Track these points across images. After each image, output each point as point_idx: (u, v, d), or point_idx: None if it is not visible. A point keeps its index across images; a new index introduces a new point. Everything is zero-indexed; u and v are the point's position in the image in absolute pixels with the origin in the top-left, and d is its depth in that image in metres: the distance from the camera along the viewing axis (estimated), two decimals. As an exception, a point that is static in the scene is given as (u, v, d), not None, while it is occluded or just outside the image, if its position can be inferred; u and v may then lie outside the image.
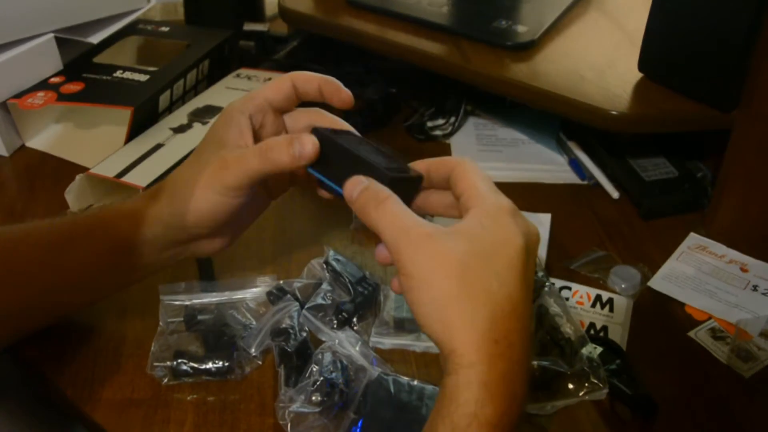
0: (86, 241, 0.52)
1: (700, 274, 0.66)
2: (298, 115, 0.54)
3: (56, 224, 0.54)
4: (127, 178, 0.68)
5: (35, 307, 0.54)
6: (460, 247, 0.40)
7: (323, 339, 0.57)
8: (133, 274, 0.55)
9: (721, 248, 0.69)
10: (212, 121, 0.77)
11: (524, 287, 0.41)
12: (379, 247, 0.45)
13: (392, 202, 0.43)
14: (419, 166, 0.48)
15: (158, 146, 0.74)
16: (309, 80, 0.51)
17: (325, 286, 0.60)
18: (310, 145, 0.46)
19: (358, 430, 0.50)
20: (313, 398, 0.51)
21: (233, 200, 0.49)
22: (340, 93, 0.51)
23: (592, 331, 0.60)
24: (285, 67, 0.92)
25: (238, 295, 0.61)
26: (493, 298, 0.39)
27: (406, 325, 0.59)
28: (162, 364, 0.55)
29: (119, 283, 0.56)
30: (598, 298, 0.63)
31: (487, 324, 0.39)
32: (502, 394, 0.38)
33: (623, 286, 0.64)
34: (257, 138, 0.51)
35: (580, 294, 0.64)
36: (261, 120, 0.52)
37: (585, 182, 0.78)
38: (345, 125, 0.52)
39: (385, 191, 0.43)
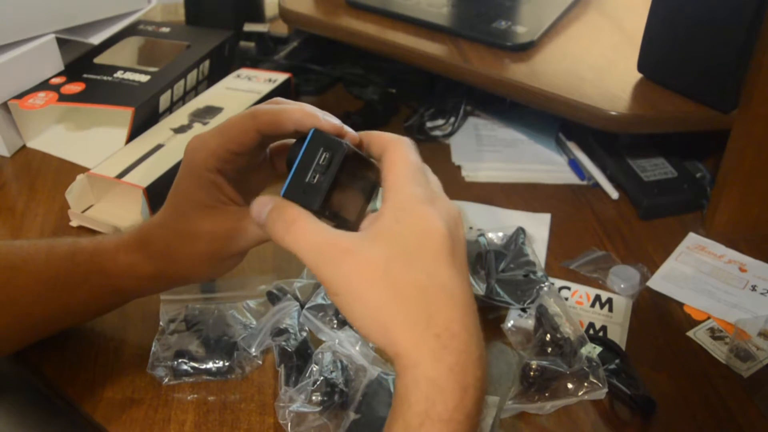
0: (85, 285, 0.52)
1: (699, 274, 0.66)
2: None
3: (54, 258, 0.52)
4: (128, 179, 0.68)
5: (34, 329, 0.54)
6: (380, 253, 0.39)
7: (323, 339, 0.57)
8: (133, 299, 0.57)
9: (719, 248, 0.69)
10: (213, 122, 0.78)
11: (456, 273, 0.40)
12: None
13: (303, 221, 0.41)
14: (355, 136, 0.46)
15: (159, 146, 0.74)
16: (279, 122, 0.46)
17: (325, 286, 0.60)
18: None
19: None
20: (313, 398, 0.51)
21: (237, 260, 0.52)
22: (321, 124, 0.44)
23: (591, 331, 0.60)
24: (285, 67, 0.92)
25: (238, 295, 0.61)
26: (425, 294, 0.39)
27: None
28: (162, 363, 0.55)
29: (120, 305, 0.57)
30: (598, 297, 0.63)
31: (425, 321, 0.38)
32: (452, 388, 0.38)
33: (622, 286, 0.64)
34: (238, 179, 0.50)
35: (580, 294, 0.64)
36: (233, 167, 0.49)
37: (584, 182, 0.79)
38: (327, 124, 0.45)
39: (293, 210, 0.41)
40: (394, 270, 0.39)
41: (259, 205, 0.43)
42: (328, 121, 0.45)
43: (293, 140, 0.47)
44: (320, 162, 0.43)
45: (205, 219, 0.49)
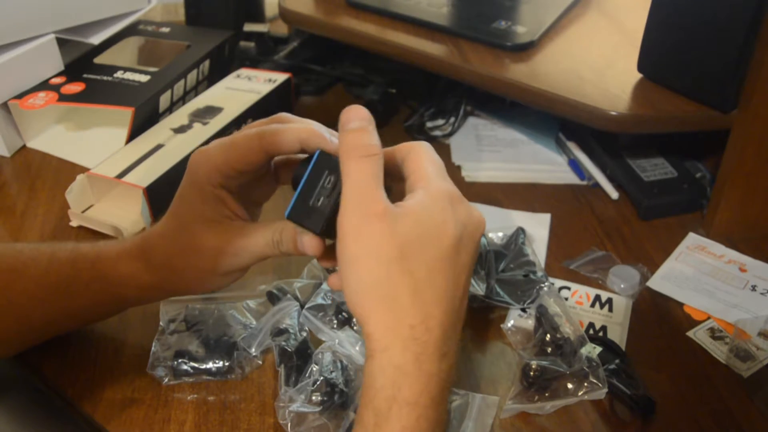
0: (86, 291, 0.52)
1: (699, 274, 0.66)
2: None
3: (55, 263, 0.52)
4: (128, 179, 0.68)
5: (34, 332, 0.54)
6: (403, 230, 0.40)
7: (323, 339, 0.57)
8: (133, 306, 0.57)
9: (719, 248, 0.69)
10: (213, 122, 0.78)
11: (452, 277, 0.41)
12: (332, 277, 0.45)
13: (375, 162, 0.41)
14: None
15: (159, 146, 0.74)
16: (285, 143, 0.46)
17: (325, 286, 0.61)
18: (310, 249, 0.46)
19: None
20: (313, 398, 0.51)
21: (240, 274, 0.52)
22: (327, 146, 0.45)
23: (591, 331, 0.60)
24: (285, 67, 0.92)
25: (238, 295, 0.61)
26: (417, 285, 0.40)
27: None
28: (162, 363, 0.55)
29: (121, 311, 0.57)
30: (598, 297, 0.63)
31: (406, 309, 0.39)
32: (416, 374, 0.39)
33: (622, 286, 0.64)
34: (241, 191, 0.50)
35: (580, 294, 0.64)
36: (237, 183, 0.49)
37: (584, 182, 0.79)
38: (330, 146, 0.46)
39: (376, 147, 0.42)
40: (405, 253, 0.40)
41: (353, 112, 0.43)
42: (335, 143, 0.45)
43: (299, 155, 0.48)
44: (325, 185, 0.44)
45: (208, 233, 0.49)
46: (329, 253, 0.48)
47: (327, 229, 0.44)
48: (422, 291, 0.40)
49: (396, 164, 0.45)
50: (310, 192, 0.44)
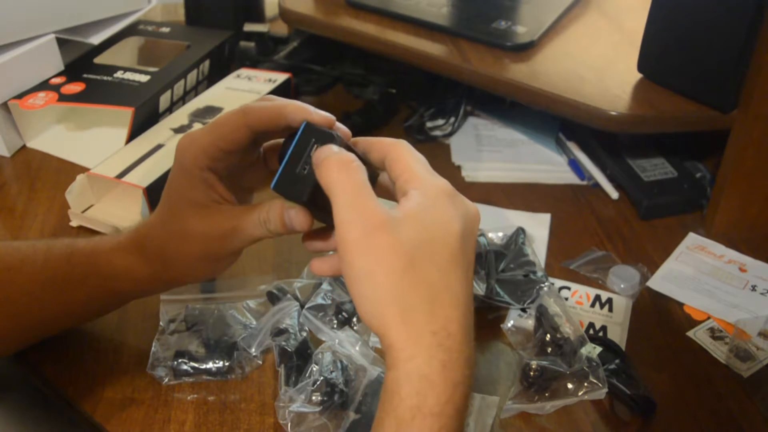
0: (82, 286, 0.52)
1: (699, 274, 0.66)
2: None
3: (51, 259, 0.52)
4: (128, 179, 0.68)
5: (33, 330, 0.54)
6: (408, 237, 0.39)
7: (323, 339, 0.57)
8: (130, 300, 0.57)
9: (719, 248, 0.69)
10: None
11: (463, 275, 0.40)
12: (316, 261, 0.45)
13: (357, 171, 0.40)
14: (347, 131, 0.47)
15: (159, 146, 0.74)
16: (270, 118, 0.46)
17: (325, 286, 0.61)
18: (298, 224, 0.46)
19: None
20: (313, 398, 0.51)
21: (233, 258, 0.52)
22: (312, 117, 0.45)
23: (591, 331, 0.60)
24: (285, 67, 0.92)
25: (238, 295, 0.61)
26: (432, 290, 0.39)
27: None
28: (162, 363, 0.55)
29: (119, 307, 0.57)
30: (598, 298, 0.63)
31: (426, 316, 0.39)
32: (443, 383, 0.38)
33: (622, 286, 0.64)
34: (231, 178, 0.50)
35: (580, 294, 0.64)
36: (224, 165, 0.48)
37: (584, 182, 0.79)
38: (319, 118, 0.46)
39: (351, 156, 0.41)
40: (415, 259, 0.39)
41: (324, 150, 0.42)
42: (319, 113, 0.45)
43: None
44: (311, 153, 0.43)
45: (197, 218, 0.49)
46: (317, 235, 0.48)
47: (313, 199, 0.43)
48: (438, 295, 0.39)
49: (376, 158, 0.45)
50: (296, 163, 0.43)
